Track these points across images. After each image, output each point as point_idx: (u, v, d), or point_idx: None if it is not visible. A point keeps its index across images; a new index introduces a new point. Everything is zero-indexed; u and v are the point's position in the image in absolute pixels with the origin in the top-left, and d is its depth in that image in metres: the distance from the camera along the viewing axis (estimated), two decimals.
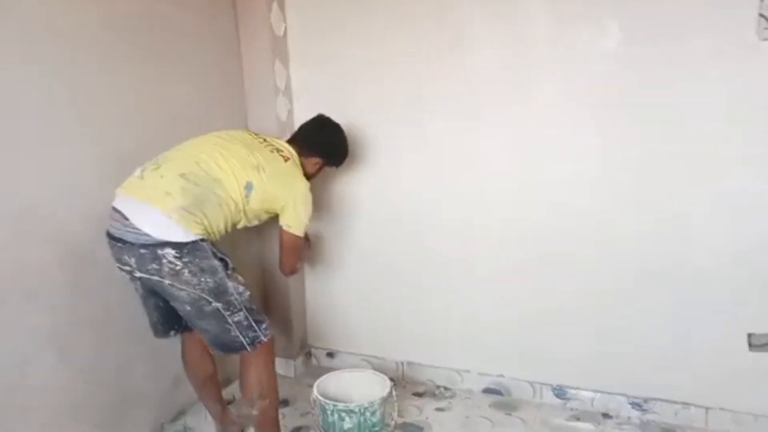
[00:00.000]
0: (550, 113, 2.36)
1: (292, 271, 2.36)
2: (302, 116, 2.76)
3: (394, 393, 2.28)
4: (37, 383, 1.81)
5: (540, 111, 2.37)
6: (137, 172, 1.94)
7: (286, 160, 2.19)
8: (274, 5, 2.62)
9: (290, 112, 2.79)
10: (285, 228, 2.18)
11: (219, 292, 1.88)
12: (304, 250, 2.43)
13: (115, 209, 1.87)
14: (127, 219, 1.83)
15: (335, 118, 2.58)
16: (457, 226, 2.62)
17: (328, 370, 2.91)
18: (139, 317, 2.13)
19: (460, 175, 2.56)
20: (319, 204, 2.70)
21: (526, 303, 2.56)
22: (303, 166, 2.28)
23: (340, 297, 2.95)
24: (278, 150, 2.19)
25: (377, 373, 2.33)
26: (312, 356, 3.07)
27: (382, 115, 2.64)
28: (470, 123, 2.49)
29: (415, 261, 2.75)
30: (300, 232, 2.21)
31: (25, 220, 1.75)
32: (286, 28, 2.71)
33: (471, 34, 2.41)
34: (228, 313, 1.91)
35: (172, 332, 2.11)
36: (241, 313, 1.94)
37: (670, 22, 2.12)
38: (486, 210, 2.55)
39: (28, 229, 1.76)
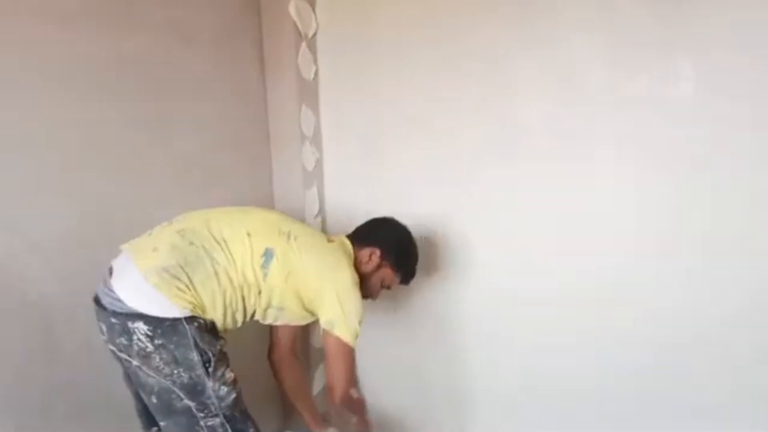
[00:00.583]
0: (603, 173, 2.00)
1: (345, 400, 1.81)
2: (332, 167, 2.54)
3: None
4: None
5: (592, 170, 2.01)
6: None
7: (330, 241, 1.83)
8: (303, 46, 2.40)
9: (319, 162, 2.54)
10: (326, 328, 1.70)
11: (194, 391, 1.54)
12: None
13: (110, 266, 1.62)
14: (110, 278, 1.57)
15: (367, 172, 2.37)
16: (498, 296, 2.24)
17: None
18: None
19: (504, 240, 2.21)
20: None
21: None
22: (356, 260, 1.85)
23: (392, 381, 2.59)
24: (324, 233, 1.86)
25: None
26: None
27: (414, 171, 2.34)
28: (511, 177, 2.15)
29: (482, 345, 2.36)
30: (348, 338, 1.69)
31: None
32: (317, 71, 2.49)
33: (518, 81, 2.09)
34: (202, 414, 1.56)
35: (154, 429, 1.71)
36: (218, 419, 1.57)
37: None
38: (527, 280, 2.17)
39: None
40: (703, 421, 1.92)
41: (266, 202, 2.50)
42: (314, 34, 2.45)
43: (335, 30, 2.43)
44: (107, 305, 1.53)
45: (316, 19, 2.44)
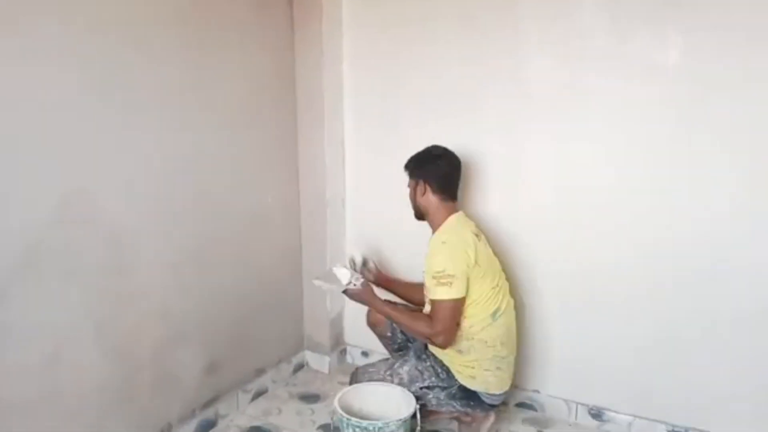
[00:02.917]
0: (602, 129, 2.28)
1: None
2: (354, 119, 2.82)
3: (418, 416, 2.13)
4: (72, 360, 1.87)
5: (593, 125, 2.29)
6: None
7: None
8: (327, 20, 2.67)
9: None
10: None
11: None
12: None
13: None
14: None
15: (383, 125, 2.70)
16: (513, 240, 2.53)
17: None
18: (175, 301, 2.21)
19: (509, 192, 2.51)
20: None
21: (572, 320, 2.47)
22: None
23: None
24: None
25: (406, 391, 2.25)
26: (347, 354, 3.07)
27: (425, 114, 2.62)
28: (519, 135, 2.44)
29: None
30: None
31: (71, 203, 1.81)
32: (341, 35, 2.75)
33: (526, 39, 2.35)
34: None
35: None
36: None
37: (740, 33, 1.99)
38: (530, 225, 2.48)
39: (73, 211, 1.82)
40: None
41: (291, 135, 2.80)
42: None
43: None
44: None
45: None
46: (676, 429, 2.31)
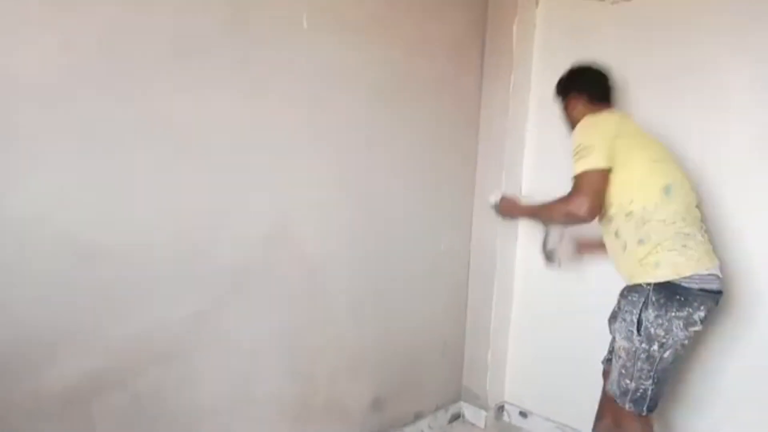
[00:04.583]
0: None
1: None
2: (532, 174, 2.82)
3: None
4: (263, 375, 2.06)
5: None
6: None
7: None
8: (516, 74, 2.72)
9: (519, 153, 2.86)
10: None
11: None
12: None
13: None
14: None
15: (561, 179, 2.59)
16: None
17: (518, 429, 2.86)
18: (352, 333, 2.34)
19: None
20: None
21: None
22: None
23: (547, 354, 2.83)
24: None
25: None
26: (504, 411, 3.02)
27: None
28: None
29: None
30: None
31: (276, 232, 2.02)
32: (530, 84, 2.79)
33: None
34: None
35: None
36: None
37: None
38: None
39: (277, 240, 2.03)
40: None
41: (469, 187, 2.87)
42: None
43: (552, 47, 2.73)
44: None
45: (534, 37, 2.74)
46: None
